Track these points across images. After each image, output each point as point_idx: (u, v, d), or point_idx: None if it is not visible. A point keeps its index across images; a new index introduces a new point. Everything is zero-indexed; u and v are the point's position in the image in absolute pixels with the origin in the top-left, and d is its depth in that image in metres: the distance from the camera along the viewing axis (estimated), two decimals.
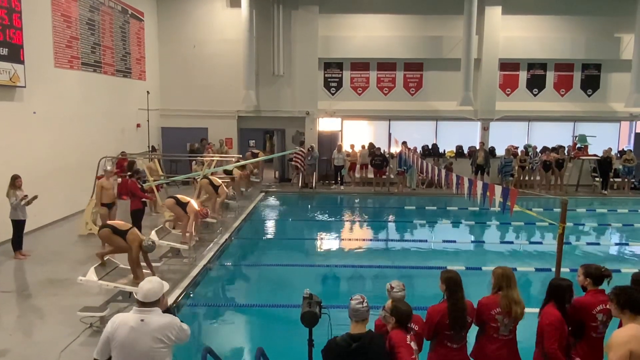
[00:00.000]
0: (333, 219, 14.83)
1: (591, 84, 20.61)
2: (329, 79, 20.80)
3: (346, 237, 12.90)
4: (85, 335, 6.56)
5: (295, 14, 19.76)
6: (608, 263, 10.35)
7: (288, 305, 7.47)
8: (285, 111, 20.05)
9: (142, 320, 3.65)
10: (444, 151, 20.71)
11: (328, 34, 20.01)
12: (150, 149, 17.49)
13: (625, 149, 20.23)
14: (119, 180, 11.92)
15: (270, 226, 14.59)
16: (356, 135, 21.00)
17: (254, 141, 20.62)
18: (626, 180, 19.09)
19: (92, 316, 6.76)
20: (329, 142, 20.21)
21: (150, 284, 3.78)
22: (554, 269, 6.13)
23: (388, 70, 20.72)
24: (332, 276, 9.85)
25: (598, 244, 12.75)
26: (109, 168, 11.56)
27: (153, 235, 9.15)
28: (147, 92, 16.80)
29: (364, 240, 12.76)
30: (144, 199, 10.93)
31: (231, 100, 19.40)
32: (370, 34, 20.16)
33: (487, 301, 4.62)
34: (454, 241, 12.21)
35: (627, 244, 12.88)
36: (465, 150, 20.64)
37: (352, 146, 20.01)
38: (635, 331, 3.67)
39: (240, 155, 16.90)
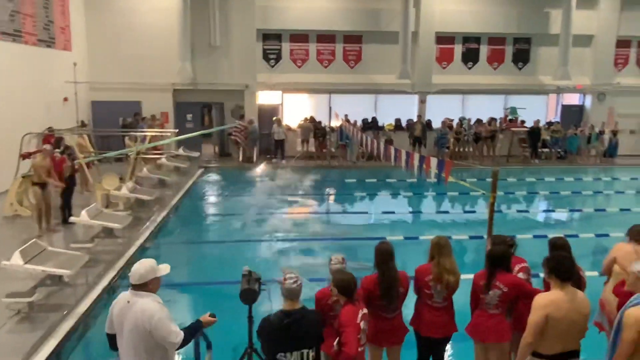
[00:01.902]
0: (274, 193, 14.73)
1: (522, 57, 21.38)
2: (268, 51, 20.40)
3: (288, 211, 12.84)
4: (12, 322, 6.21)
5: None
6: (536, 229, 11.06)
7: (229, 282, 7.38)
8: (223, 84, 19.49)
9: (128, 302, 3.54)
10: (384, 124, 20.96)
11: (266, 3, 19.53)
12: (80, 124, 16.58)
13: (553, 121, 21.34)
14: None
15: (209, 202, 14.30)
16: (297, 109, 20.87)
17: (191, 115, 19.96)
18: (553, 150, 20.17)
19: (19, 302, 6.38)
20: (270, 115, 19.94)
21: (138, 265, 3.63)
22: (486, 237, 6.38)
23: (328, 43, 20.57)
24: (273, 251, 9.81)
25: (527, 211, 13.44)
26: (48, 147, 10.64)
27: (83, 216, 8.75)
28: (74, 63, 15.82)
29: (305, 213, 12.78)
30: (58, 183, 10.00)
31: (166, 72, 18.60)
32: (309, 5, 19.84)
33: (422, 269, 4.74)
34: (393, 212, 12.49)
35: (553, 211, 13.68)
36: (404, 123, 20.98)
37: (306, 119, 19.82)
38: (555, 296, 3.83)
39: (177, 130, 16.39)
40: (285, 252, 9.78)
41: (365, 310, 4.01)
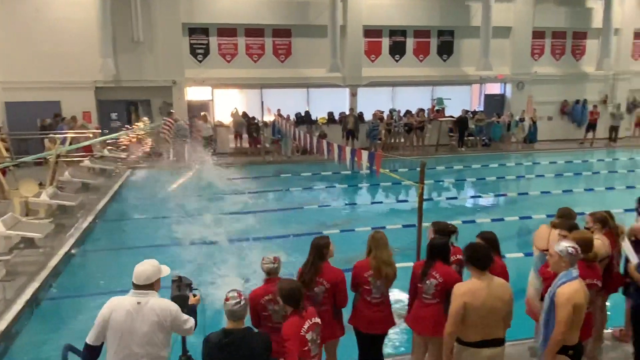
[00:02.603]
0: (206, 192, 14.37)
1: (446, 49, 22.11)
2: (195, 46, 19.86)
3: (221, 210, 12.55)
4: None
5: None
6: (465, 215, 11.49)
7: (162, 288, 7.15)
8: (149, 80, 18.80)
9: (138, 303, 3.55)
10: (317, 118, 21.04)
11: None
12: None
13: (477, 110, 22.26)
14: None
15: (138, 205, 13.65)
16: (228, 105, 20.51)
17: (116, 114, 19.08)
18: (478, 138, 21.08)
19: None
20: (200, 112, 19.43)
21: (142, 266, 3.69)
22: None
23: (256, 37, 20.32)
24: (206, 253, 9.57)
25: (456, 197, 13.96)
26: None
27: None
28: None
29: (239, 212, 12.53)
30: None
31: (86, 69, 17.68)
32: None
33: (361, 264, 4.76)
34: (329, 205, 12.56)
35: (480, 196, 14.29)
36: (337, 117, 21.16)
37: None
38: (472, 285, 3.94)
39: (100, 130, 15.63)
40: (218, 253, 9.56)
41: (315, 320, 3.85)
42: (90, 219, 10.90)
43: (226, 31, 19.95)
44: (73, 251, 9.18)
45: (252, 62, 20.40)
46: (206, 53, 19.97)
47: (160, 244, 9.85)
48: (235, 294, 3.53)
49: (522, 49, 22.23)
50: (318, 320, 3.86)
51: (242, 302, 3.51)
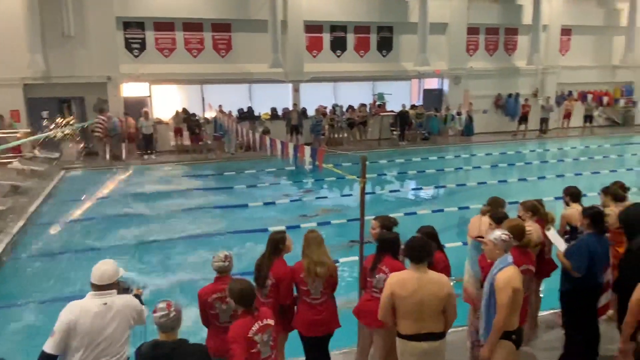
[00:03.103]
0: (146, 191, 13.93)
1: (385, 45, 22.46)
2: (130, 40, 19.15)
3: (162, 210, 12.17)
4: None
5: None
6: (407, 207, 11.76)
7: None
8: (82, 76, 17.93)
9: (104, 304, 3.53)
10: (260, 114, 20.87)
11: None
12: None
13: (417, 104, 22.80)
14: None
15: (72, 207, 13.00)
16: (167, 101, 19.97)
17: (47, 112, 18.10)
18: (418, 132, 21.61)
19: None
20: (138, 109, 18.78)
21: (105, 265, 3.69)
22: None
23: (195, 31, 19.86)
24: (145, 255, 9.31)
25: (398, 190, 14.27)
26: None
27: None
28: None
29: (182, 210, 12.23)
30: None
31: (13, 65, 16.60)
32: None
33: (297, 265, 4.74)
34: (273, 203, 12.51)
35: (421, 189, 14.67)
36: (280, 112, 21.08)
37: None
38: (403, 275, 4.05)
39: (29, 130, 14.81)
40: (160, 254, 9.33)
41: (267, 321, 3.75)
42: (21, 223, 10.33)
43: (163, 25, 19.37)
44: (4, 258, 8.67)
45: (192, 57, 19.94)
46: (142, 48, 19.32)
47: (99, 247, 9.48)
48: (164, 305, 3.33)
49: (457, 45, 22.93)
50: (270, 321, 3.78)
51: (171, 314, 3.31)
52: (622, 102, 25.67)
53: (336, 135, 20.68)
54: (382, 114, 21.43)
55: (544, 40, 23.66)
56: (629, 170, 15.75)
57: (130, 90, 19.34)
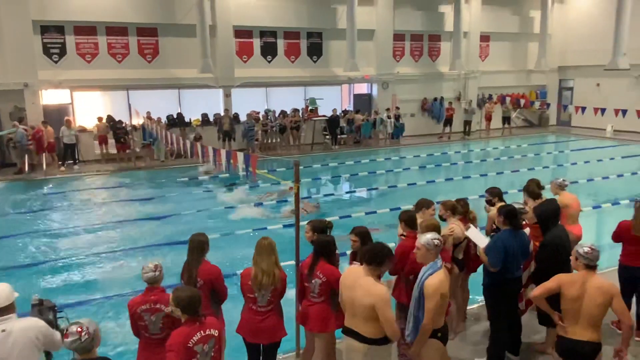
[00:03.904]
0: (66, 204, 13.20)
1: (315, 51, 22.71)
2: (49, 45, 18.18)
3: (83, 224, 11.52)
4: None
5: None
6: (342, 210, 11.92)
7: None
8: None
9: (3, 330, 3.34)
10: (190, 120, 20.45)
11: None
12: None
13: (348, 109, 23.22)
14: None
15: None
16: (91, 108, 19.10)
17: None
18: (349, 136, 21.99)
19: None
20: (59, 117, 17.81)
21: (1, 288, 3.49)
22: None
23: (119, 35, 19.16)
24: (69, 270, 8.84)
25: (333, 194, 14.44)
26: None
27: None
28: None
29: (108, 222, 11.69)
30: None
31: None
32: None
33: (245, 272, 4.69)
34: (207, 209, 12.28)
35: (354, 191, 14.93)
36: (211, 118, 20.75)
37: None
38: (348, 272, 4.20)
39: None
40: (84, 270, 8.89)
41: (211, 332, 3.63)
42: None
43: (84, 29, 18.55)
44: None
45: (116, 63, 19.22)
46: (62, 53, 18.38)
47: (11, 266, 8.86)
48: (75, 330, 3.15)
49: (385, 51, 23.56)
50: (214, 332, 3.65)
51: (83, 338, 3.14)
52: (537, 104, 27.37)
53: (269, 141, 20.65)
54: (314, 118, 21.61)
55: (464, 47, 24.79)
56: (545, 168, 16.85)
57: (51, 97, 18.36)
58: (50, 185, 15.24)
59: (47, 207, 12.85)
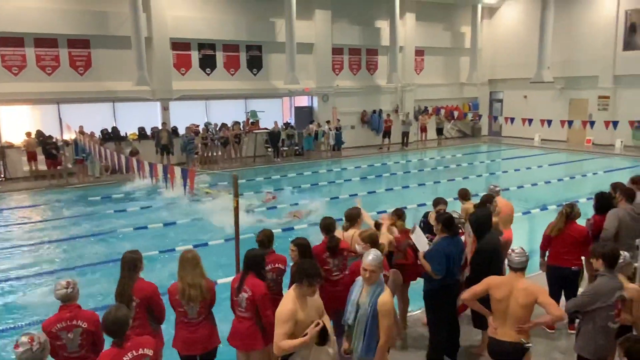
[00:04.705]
0: None
1: (255, 64, 22.64)
2: None
3: (7, 245, 10.90)
4: None
5: None
6: (283, 223, 11.84)
7: None
8: None
9: None
10: (126, 134, 19.81)
11: None
12: None
13: (289, 121, 23.28)
14: None
15: None
16: (19, 123, 18.09)
17: None
18: (290, 149, 22.04)
19: None
20: None
21: None
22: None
23: (49, 47, 18.33)
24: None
25: (275, 207, 14.33)
26: None
27: None
28: None
29: (34, 244, 11.03)
30: None
31: None
32: (20, 4, 17.33)
33: (171, 288, 4.63)
34: (146, 227, 11.86)
35: (297, 204, 14.88)
36: (149, 132, 20.20)
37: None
38: (292, 296, 3.99)
39: None
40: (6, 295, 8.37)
41: (142, 351, 3.52)
42: None
43: (10, 40, 17.60)
44: None
45: (46, 75, 18.35)
46: None
47: None
48: (26, 340, 3.23)
49: (324, 64, 23.86)
50: (147, 351, 3.54)
51: (34, 348, 3.23)
52: (470, 116, 28.54)
53: (210, 154, 20.33)
54: (255, 131, 21.51)
55: (400, 60, 25.48)
56: (478, 177, 17.53)
57: None
58: None
59: None
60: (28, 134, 17.13)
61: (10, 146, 17.45)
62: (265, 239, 5.16)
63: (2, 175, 16.71)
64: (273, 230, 5.46)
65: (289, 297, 3.97)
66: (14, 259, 9.97)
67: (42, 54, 18.25)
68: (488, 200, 6.79)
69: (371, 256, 4.06)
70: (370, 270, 4.02)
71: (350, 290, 4.30)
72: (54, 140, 17.37)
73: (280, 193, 15.99)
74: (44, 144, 17.04)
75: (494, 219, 6.49)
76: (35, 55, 18.13)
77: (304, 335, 3.81)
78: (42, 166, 17.20)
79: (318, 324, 3.83)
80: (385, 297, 4.06)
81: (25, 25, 17.45)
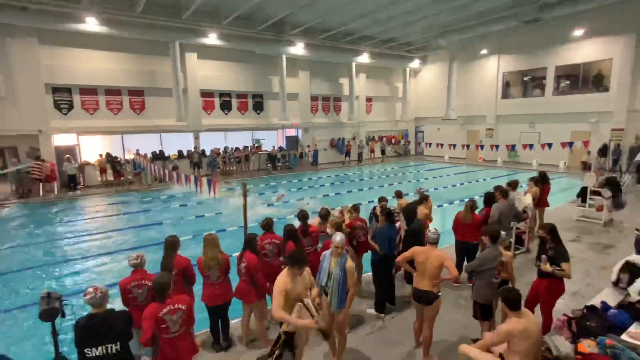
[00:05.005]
0: (74, 220, 12.00)
1: (259, 106, 22.50)
2: (59, 102, 16.61)
3: (92, 230, 10.61)
4: None
5: (10, 42, 14.84)
6: (278, 214, 11.70)
7: (27, 306, 5.74)
8: (13, 130, 15.07)
9: None
10: (169, 155, 19.43)
11: (52, 62, 15.87)
12: None
13: (282, 146, 23.13)
14: None
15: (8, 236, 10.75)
16: (94, 148, 17.61)
17: None
18: (283, 164, 21.90)
19: None
20: (68, 155, 16.24)
21: None
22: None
23: (115, 95, 17.92)
24: (73, 266, 8.02)
25: (273, 205, 14.15)
26: None
27: None
28: None
29: (113, 230, 10.75)
30: None
31: None
32: (95, 66, 16.94)
33: (199, 260, 4.58)
34: (183, 218, 11.61)
35: (288, 201, 14.70)
36: (185, 153, 19.87)
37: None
38: (284, 274, 3.76)
39: None
40: (86, 264, 8.09)
41: (178, 306, 3.44)
42: None
43: (88, 90, 17.15)
44: None
45: (113, 115, 17.91)
46: (70, 107, 16.86)
47: (19, 269, 7.89)
48: (92, 290, 3.20)
49: (305, 108, 23.85)
50: (181, 306, 3.47)
51: (97, 295, 3.20)
52: (402, 142, 28.86)
53: (228, 168, 20.10)
54: (259, 152, 21.38)
55: (356, 105, 25.67)
56: (408, 182, 17.72)
57: (61, 139, 16.74)
58: (60, 205, 13.79)
59: (58, 222, 11.56)
60: (100, 155, 16.70)
61: (87, 164, 16.97)
62: (266, 225, 5.15)
63: (82, 184, 16.18)
64: (276, 218, 5.39)
65: (282, 275, 3.77)
66: (95, 242, 9.69)
67: (110, 100, 17.82)
68: (424, 198, 6.90)
69: (339, 237, 4.06)
70: (340, 247, 4.02)
71: (321, 261, 4.23)
72: (119, 159, 16.96)
73: (281, 192, 15.89)
74: (111, 162, 16.63)
75: (426, 211, 6.56)
76: (105, 100, 17.70)
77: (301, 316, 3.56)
78: (110, 177, 16.75)
79: (317, 322, 3.51)
80: (350, 263, 4.08)
81: (98, 80, 17.06)
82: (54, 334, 3.50)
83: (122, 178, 16.82)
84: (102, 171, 16.65)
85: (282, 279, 3.71)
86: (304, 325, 3.48)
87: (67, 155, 15.91)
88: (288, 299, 3.66)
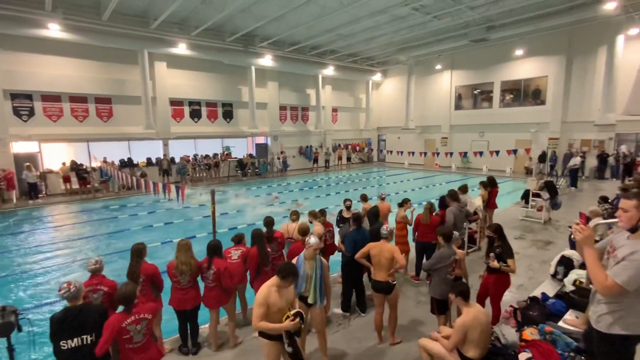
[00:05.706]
0: (34, 230, 11.16)
1: (228, 115, 22.09)
2: (19, 108, 15.43)
3: (47, 241, 9.89)
4: None
5: None
6: (247, 221, 11.45)
7: None
8: None
9: None
10: (138, 162, 18.57)
11: (11, 68, 14.74)
12: None
13: (252, 153, 22.81)
14: None
15: None
16: (57, 155, 16.47)
17: None
18: (253, 170, 21.58)
19: None
20: (30, 162, 15.07)
21: None
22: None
23: (80, 103, 16.90)
24: (31, 279, 7.43)
25: (240, 210, 13.84)
26: None
27: None
28: None
29: (70, 240, 10.08)
30: None
31: None
32: (59, 72, 15.91)
33: (170, 264, 4.42)
34: (151, 225, 11.10)
35: (256, 207, 14.44)
36: (154, 160, 19.07)
37: None
38: (269, 284, 3.57)
39: None
40: (41, 278, 7.52)
41: (142, 315, 3.28)
42: None
43: (50, 97, 16.06)
44: None
45: (78, 122, 16.87)
46: (31, 114, 15.69)
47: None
48: (65, 285, 3.20)
49: (274, 116, 23.70)
50: (146, 315, 3.30)
51: (72, 289, 3.19)
52: (366, 150, 29.35)
53: (198, 175, 19.51)
54: (229, 159, 20.94)
55: (323, 115, 25.84)
56: (372, 187, 18.01)
57: (20, 147, 15.51)
58: (18, 215, 12.73)
59: (22, 230, 10.66)
60: (63, 164, 15.65)
61: (50, 172, 15.83)
62: (236, 238, 5.07)
63: (45, 192, 15.06)
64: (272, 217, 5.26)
65: (267, 284, 3.50)
66: (58, 250, 9.00)
67: (75, 107, 16.79)
68: (405, 201, 7.00)
69: (313, 240, 4.01)
70: (315, 249, 4.01)
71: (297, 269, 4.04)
72: (85, 167, 15.98)
73: (274, 194, 15.58)
74: (76, 169, 15.63)
75: (403, 213, 6.67)
76: (70, 108, 16.65)
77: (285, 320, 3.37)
78: (76, 186, 15.71)
79: (294, 318, 3.33)
80: (324, 261, 4.14)
81: (62, 87, 16.05)
82: (10, 349, 3.18)
83: (88, 186, 15.84)
84: (66, 179, 15.59)
85: (267, 290, 3.43)
86: (288, 327, 3.33)
87: (27, 163, 14.78)
88: (269, 312, 3.40)
